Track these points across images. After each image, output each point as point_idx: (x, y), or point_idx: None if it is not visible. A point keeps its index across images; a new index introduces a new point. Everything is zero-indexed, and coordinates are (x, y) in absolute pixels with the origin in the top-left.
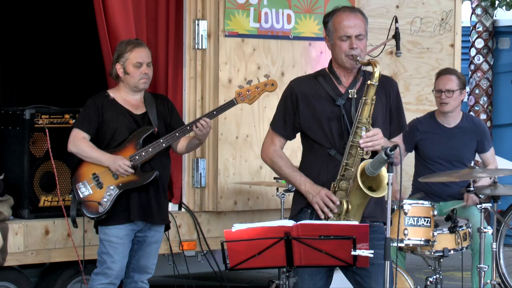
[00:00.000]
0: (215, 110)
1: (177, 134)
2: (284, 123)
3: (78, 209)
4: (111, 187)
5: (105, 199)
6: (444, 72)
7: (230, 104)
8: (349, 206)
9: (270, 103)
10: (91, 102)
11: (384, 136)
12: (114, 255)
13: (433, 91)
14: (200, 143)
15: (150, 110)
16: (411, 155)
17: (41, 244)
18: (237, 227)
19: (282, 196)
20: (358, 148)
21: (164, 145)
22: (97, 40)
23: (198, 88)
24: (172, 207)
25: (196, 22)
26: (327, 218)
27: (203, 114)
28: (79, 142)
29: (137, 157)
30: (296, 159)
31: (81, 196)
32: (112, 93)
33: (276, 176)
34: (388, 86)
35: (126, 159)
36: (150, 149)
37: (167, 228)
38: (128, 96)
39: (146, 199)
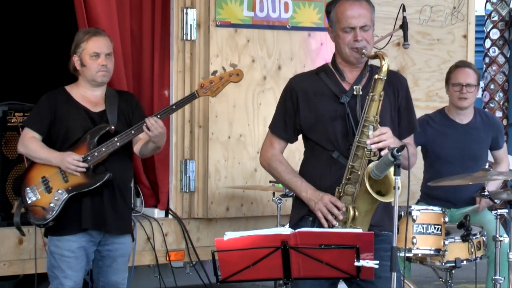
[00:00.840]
0: (174, 104)
1: (132, 132)
2: (285, 125)
3: (24, 216)
4: (60, 191)
5: (52, 204)
6: (462, 65)
7: (191, 97)
8: (356, 213)
9: (265, 100)
10: (45, 99)
11: None
12: (66, 270)
13: (449, 84)
14: (156, 147)
15: (110, 107)
16: (420, 156)
17: (14, 254)
18: (230, 235)
19: (279, 201)
20: (365, 149)
21: (118, 144)
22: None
23: (187, 83)
24: (158, 213)
25: (185, 10)
26: (331, 226)
27: (160, 110)
28: (28, 142)
29: (89, 158)
30: (294, 161)
31: (28, 201)
32: (70, 88)
33: (272, 179)
34: (396, 83)
35: (75, 154)
36: (104, 149)
37: (132, 237)
38: (87, 92)
39: (99, 205)
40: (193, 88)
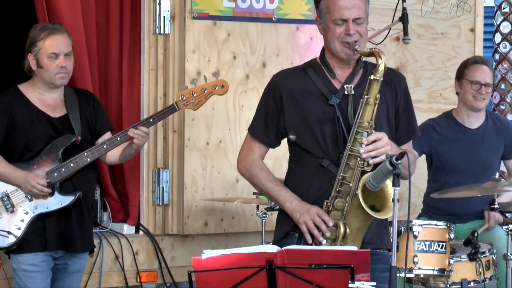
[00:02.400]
0: (151, 117)
1: (104, 147)
2: (266, 128)
3: None
4: (24, 211)
5: (16, 226)
6: (480, 61)
7: (170, 110)
8: (347, 230)
9: (248, 101)
10: None
11: None
12: (31, 287)
13: (463, 81)
14: (135, 152)
15: (72, 112)
16: (423, 165)
17: None
18: (208, 254)
19: (264, 215)
20: (358, 159)
21: (88, 159)
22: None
23: (160, 82)
24: (127, 229)
25: (157, 0)
26: (317, 243)
27: (137, 123)
28: None
29: (55, 174)
30: (281, 170)
31: None
32: (25, 89)
33: (256, 191)
34: (394, 82)
35: (41, 177)
36: (72, 165)
37: (91, 252)
38: (44, 95)
39: (67, 226)
40: (167, 88)
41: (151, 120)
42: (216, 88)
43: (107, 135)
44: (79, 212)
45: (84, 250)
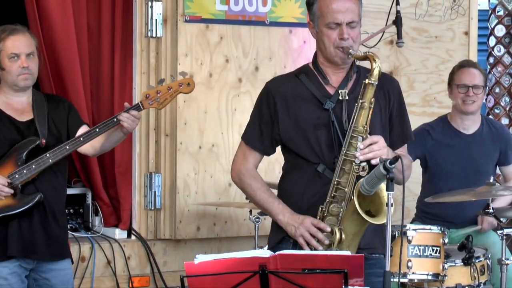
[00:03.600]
0: (115, 116)
1: (67, 147)
2: (260, 135)
3: None
4: None
5: None
6: (467, 64)
7: (135, 108)
8: (343, 235)
9: (241, 105)
10: None
11: None
12: None
13: (452, 86)
14: (124, 137)
15: (39, 116)
16: (417, 170)
17: None
18: (201, 258)
19: (257, 220)
20: (353, 163)
21: (51, 160)
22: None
23: (152, 85)
24: (119, 234)
25: (149, 3)
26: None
27: (104, 121)
28: None
29: (17, 176)
30: (274, 174)
31: None
32: None
33: None
34: (387, 86)
35: (1, 177)
36: (34, 166)
37: (71, 261)
38: (11, 98)
39: (28, 230)
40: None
41: (114, 119)
42: (182, 86)
43: (82, 130)
44: (42, 217)
45: (51, 259)
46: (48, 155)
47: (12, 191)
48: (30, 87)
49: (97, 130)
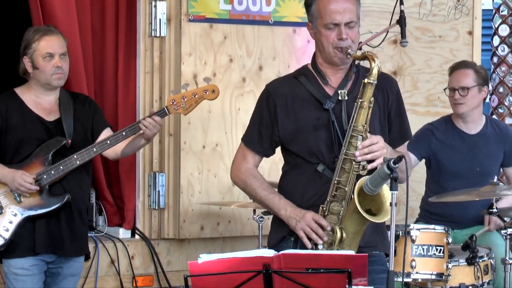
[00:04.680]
0: (139, 121)
1: (94, 150)
2: (260, 137)
3: None
4: (13, 213)
5: (5, 228)
6: (458, 66)
7: (161, 113)
8: (344, 234)
9: (244, 104)
10: None
11: None
12: None
13: (445, 89)
14: (146, 144)
15: (65, 115)
16: (421, 170)
17: None
18: (204, 258)
19: (260, 219)
20: (353, 162)
21: (78, 162)
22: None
23: (156, 85)
24: (123, 233)
25: (153, 3)
26: (315, 247)
27: (126, 127)
28: None
29: (45, 176)
30: (278, 173)
31: None
32: (21, 92)
33: None
34: (386, 86)
35: (28, 174)
36: (61, 167)
37: (87, 258)
38: (40, 97)
39: (56, 228)
40: (163, 92)
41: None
42: (207, 93)
43: (106, 133)
44: (69, 216)
45: (76, 255)
46: (75, 156)
47: (38, 188)
48: (61, 86)
49: (124, 133)
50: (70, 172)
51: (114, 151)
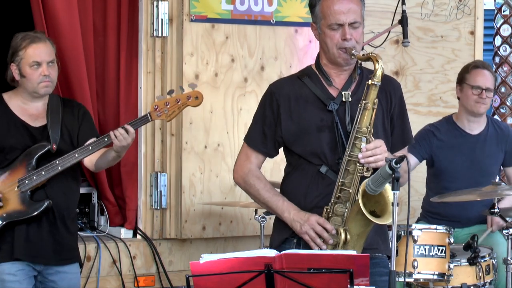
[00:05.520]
0: (128, 124)
1: (76, 155)
2: (263, 137)
3: None
4: None
5: None
6: (481, 66)
7: (143, 120)
8: (348, 236)
9: (246, 104)
10: None
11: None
12: None
13: (463, 86)
14: (118, 157)
15: (52, 121)
16: (423, 170)
17: None
18: (206, 258)
19: (262, 220)
20: (357, 164)
21: (60, 168)
22: (31, 27)
23: (158, 85)
24: (125, 233)
25: (155, 3)
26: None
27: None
28: None
29: (26, 182)
30: (280, 174)
31: None
32: (8, 98)
33: None
34: (389, 88)
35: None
36: (43, 172)
37: (80, 265)
38: (27, 104)
39: (37, 235)
40: (164, 92)
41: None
42: (190, 99)
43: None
44: (51, 222)
45: (59, 264)
46: (57, 161)
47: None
48: (49, 94)
49: (106, 139)
50: (54, 178)
51: (90, 161)
